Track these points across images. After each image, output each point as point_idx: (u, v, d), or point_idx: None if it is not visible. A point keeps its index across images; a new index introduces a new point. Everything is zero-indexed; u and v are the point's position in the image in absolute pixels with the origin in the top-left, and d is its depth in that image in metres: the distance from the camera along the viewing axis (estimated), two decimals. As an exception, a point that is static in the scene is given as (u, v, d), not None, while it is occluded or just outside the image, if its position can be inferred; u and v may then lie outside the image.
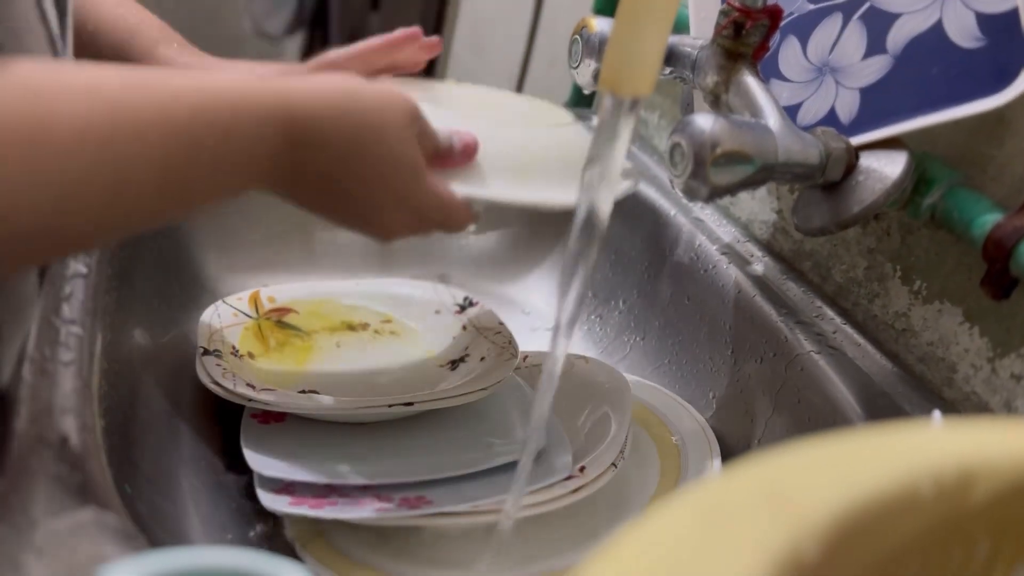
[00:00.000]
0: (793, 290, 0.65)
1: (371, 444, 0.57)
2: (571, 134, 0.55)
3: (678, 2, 0.39)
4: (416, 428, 0.59)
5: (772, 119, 0.50)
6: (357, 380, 0.64)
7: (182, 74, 0.40)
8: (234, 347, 0.63)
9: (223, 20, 1.69)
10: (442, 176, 0.48)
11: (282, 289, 0.70)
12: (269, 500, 0.51)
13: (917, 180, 0.52)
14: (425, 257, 0.84)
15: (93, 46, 0.57)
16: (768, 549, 0.20)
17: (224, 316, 0.65)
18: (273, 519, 0.55)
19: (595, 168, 0.42)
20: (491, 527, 0.51)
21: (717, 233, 0.72)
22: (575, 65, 0.60)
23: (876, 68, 0.54)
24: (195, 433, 0.59)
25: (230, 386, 0.57)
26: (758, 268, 0.68)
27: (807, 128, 0.53)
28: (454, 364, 0.65)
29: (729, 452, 0.61)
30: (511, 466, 0.49)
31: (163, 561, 0.28)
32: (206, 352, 0.60)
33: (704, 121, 0.48)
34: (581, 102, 0.96)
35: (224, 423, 0.60)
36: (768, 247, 0.70)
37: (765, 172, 0.49)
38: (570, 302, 0.46)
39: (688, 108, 0.65)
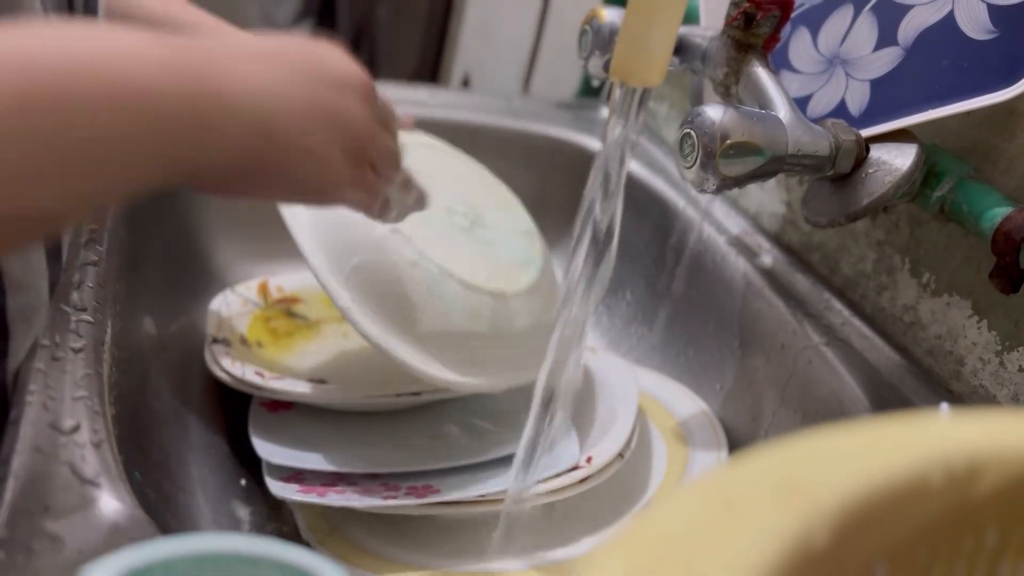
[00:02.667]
0: (801, 282, 0.65)
1: (379, 433, 0.57)
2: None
3: (689, -8, 0.39)
4: (424, 417, 0.59)
5: (782, 110, 0.50)
6: (365, 369, 0.64)
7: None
8: (243, 336, 0.63)
9: (230, 8, 1.69)
10: None
11: (291, 278, 0.70)
12: (278, 488, 0.51)
13: (927, 172, 0.52)
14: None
15: None
16: (777, 537, 0.20)
17: (233, 305, 0.66)
18: (281, 507, 0.55)
19: (606, 159, 0.42)
20: (499, 516, 0.51)
21: (725, 225, 0.72)
22: (585, 55, 0.60)
23: (887, 60, 0.54)
24: (204, 421, 0.60)
25: (239, 374, 0.57)
26: (766, 260, 0.67)
27: (817, 120, 0.53)
28: (462, 354, 0.65)
29: (736, 443, 0.62)
30: (519, 456, 0.49)
31: (174, 546, 0.28)
32: (215, 340, 0.61)
33: (714, 112, 0.48)
34: (590, 93, 0.96)
35: (233, 411, 0.61)
36: (777, 239, 0.70)
37: (775, 164, 0.49)
38: (577, 297, 0.46)
39: (698, 99, 0.65)
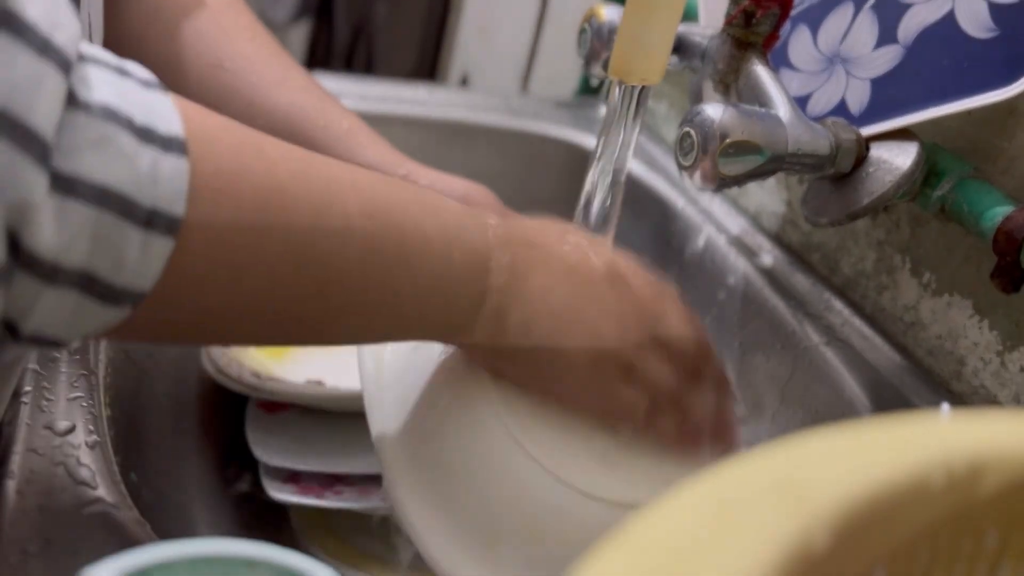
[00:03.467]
0: (801, 282, 0.65)
1: (377, 434, 0.57)
2: None
3: (688, -10, 0.39)
4: (422, 418, 0.59)
5: (782, 109, 0.50)
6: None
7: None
8: (240, 336, 0.63)
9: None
10: None
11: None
12: (275, 489, 0.51)
13: (927, 172, 0.52)
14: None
15: None
16: (778, 539, 0.19)
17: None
18: (279, 508, 0.55)
19: (605, 158, 0.42)
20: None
21: (725, 224, 0.72)
22: (584, 54, 0.60)
23: (887, 58, 0.54)
24: (200, 422, 0.60)
25: (235, 375, 0.57)
26: (766, 260, 0.67)
27: (817, 118, 0.52)
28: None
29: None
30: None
31: (171, 550, 0.28)
32: (212, 341, 0.60)
33: (713, 111, 0.48)
34: (589, 92, 0.96)
35: (229, 412, 0.60)
36: (777, 238, 0.70)
37: (775, 163, 0.49)
38: None
39: (697, 98, 0.65)
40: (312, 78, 0.52)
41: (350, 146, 0.50)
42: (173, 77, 0.48)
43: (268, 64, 0.50)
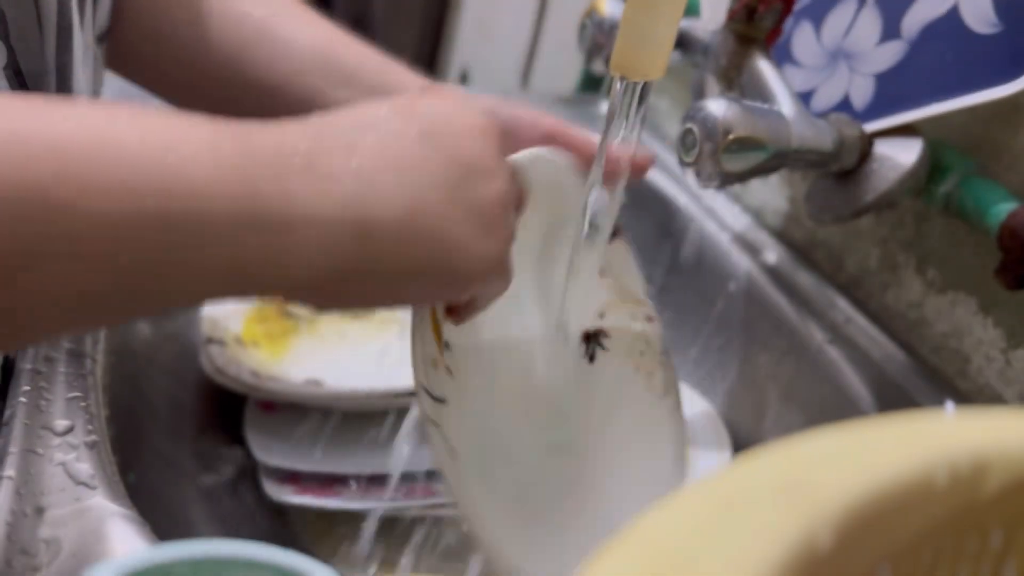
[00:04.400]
0: (805, 280, 0.64)
1: (377, 433, 0.57)
2: None
3: (690, -16, 0.38)
4: (423, 417, 0.59)
5: (785, 105, 0.50)
6: (363, 368, 0.64)
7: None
8: (237, 335, 0.63)
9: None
10: None
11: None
12: (274, 489, 0.51)
13: (932, 168, 0.52)
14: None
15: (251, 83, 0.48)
16: (782, 539, 0.19)
17: (227, 304, 0.65)
18: (277, 508, 0.55)
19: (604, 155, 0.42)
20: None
21: (728, 221, 0.71)
22: (585, 49, 0.60)
23: (890, 54, 0.53)
24: (199, 422, 0.59)
25: (234, 374, 0.57)
26: (770, 257, 0.67)
27: (820, 114, 0.52)
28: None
29: (740, 443, 0.61)
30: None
31: (171, 552, 0.28)
32: (210, 340, 0.60)
33: (716, 107, 0.47)
34: (590, 87, 0.96)
35: (228, 411, 0.60)
36: (780, 236, 0.70)
37: (778, 159, 0.49)
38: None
39: (699, 94, 0.64)
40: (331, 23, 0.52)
41: (386, 80, 0.50)
42: (200, 23, 0.48)
43: (294, 8, 0.52)
